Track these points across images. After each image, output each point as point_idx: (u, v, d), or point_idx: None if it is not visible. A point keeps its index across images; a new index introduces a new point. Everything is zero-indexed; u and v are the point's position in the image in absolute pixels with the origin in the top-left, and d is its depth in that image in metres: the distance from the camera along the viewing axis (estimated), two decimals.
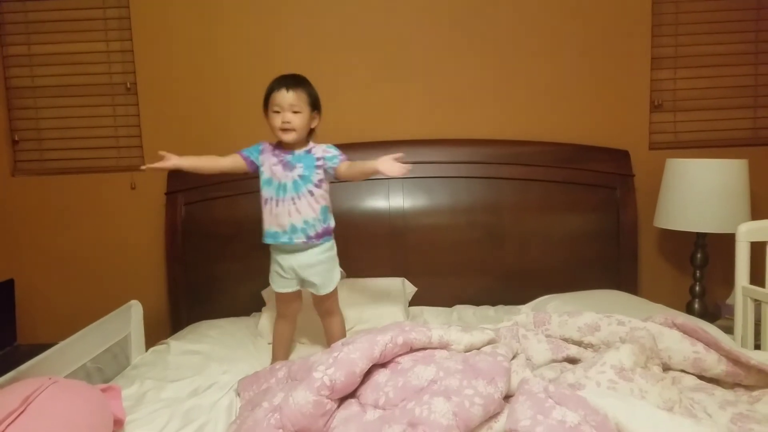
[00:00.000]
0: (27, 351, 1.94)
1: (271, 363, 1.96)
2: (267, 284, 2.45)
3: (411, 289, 2.54)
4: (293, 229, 1.85)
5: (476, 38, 2.66)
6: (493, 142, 2.64)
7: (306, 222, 1.85)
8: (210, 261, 2.63)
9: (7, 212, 2.78)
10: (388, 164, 1.76)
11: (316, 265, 1.90)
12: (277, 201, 1.85)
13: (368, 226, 2.58)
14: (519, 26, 2.65)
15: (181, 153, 2.66)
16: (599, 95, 2.68)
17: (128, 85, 2.74)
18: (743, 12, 2.65)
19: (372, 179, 2.57)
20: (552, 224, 2.58)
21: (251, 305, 2.53)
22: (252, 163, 1.94)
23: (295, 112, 1.81)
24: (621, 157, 2.62)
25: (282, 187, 1.85)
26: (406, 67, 2.68)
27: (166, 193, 2.67)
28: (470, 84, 2.69)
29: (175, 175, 2.68)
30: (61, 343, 1.70)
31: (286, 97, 1.80)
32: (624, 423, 1.13)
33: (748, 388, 1.49)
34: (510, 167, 2.59)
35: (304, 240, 1.86)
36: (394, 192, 2.60)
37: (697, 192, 2.34)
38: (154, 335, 2.39)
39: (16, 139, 2.79)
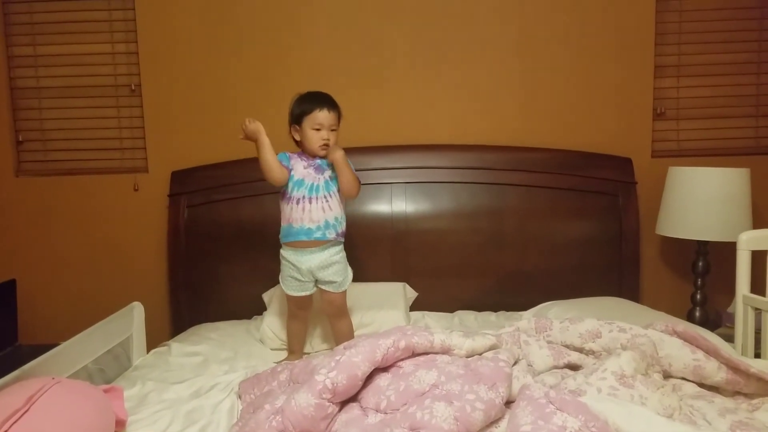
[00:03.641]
0: (28, 351, 1.95)
1: (287, 357, 2.10)
2: (268, 287, 2.48)
3: (412, 294, 2.55)
4: (327, 225, 1.97)
5: (480, 46, 2.67)
6: (496, 148, 2.65)
7: (336, 219, 1.99)
8: (212, 263, 2.64)
9: (10, 212, 2.79)
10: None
11: (334, 264, 2.00)
12: (311, 199, 1.96)
13: (371, 230, 2.58)
14: (523, 34, 2.66)
15: (184, 155, 2.71)
16: (602, 103, 2.69)
17: (133, 87, 2.75)
18: (746, 22, 2.66)
19: (374, 183, 2.59)
20: (554, 230, 2.59)
21: (253, 308, 2.53)
22: (285, 167, 1.99)
23: (332, 130, 1.97)
24: (624, 164, 2.63)
25: (315, 187, 1.97)
26: (411, 73, 2.69)
27: (169, 195, 2.68)
28: (474, 91, 2.70)
29: (178, 177, 2.69)
30: (64, 344, 1.70)
31: (328, 117, 1.95)
32: (624, 428, 1.14)
33: (747, 396, 1.50)
34: (513, 173, 2.60)
35: (334, 236, 1.98)
36: (397, 197, 2.61)
37: (699, 200, 2.35)
38: (156, 337, 2.40)
39: (20, 139, 2.80)
